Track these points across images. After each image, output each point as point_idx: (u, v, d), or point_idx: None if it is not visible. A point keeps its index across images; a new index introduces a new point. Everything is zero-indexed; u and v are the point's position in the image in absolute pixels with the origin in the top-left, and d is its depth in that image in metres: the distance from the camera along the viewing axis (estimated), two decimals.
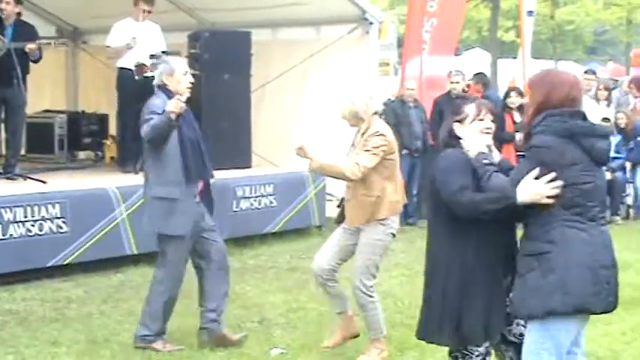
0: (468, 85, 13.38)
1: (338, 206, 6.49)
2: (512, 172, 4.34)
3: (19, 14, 10.23)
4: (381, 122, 6.37)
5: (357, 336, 6.48)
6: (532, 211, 4.24)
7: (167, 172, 6.26)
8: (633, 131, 12.92)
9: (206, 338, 6.48)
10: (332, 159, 6.27)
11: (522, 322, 4.48)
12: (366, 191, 6.08)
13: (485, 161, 4.41)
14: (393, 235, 6.31)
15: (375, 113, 6.29)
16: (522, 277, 4.25)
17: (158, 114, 6.13)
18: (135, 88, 10.51)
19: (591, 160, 4.20)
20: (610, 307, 4.27)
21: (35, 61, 10.00)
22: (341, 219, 6.36)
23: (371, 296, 6.17)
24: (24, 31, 9.88)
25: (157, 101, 6.30)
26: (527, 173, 4.17)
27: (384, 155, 6.05)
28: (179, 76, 6.41)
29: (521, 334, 4.46)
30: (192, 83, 6.57)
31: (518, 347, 4.48)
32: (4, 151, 10.50)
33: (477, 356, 4.51)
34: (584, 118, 4.29)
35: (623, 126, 12.88)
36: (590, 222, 4.19)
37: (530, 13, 15.00)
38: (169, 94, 6.28)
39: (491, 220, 4.35)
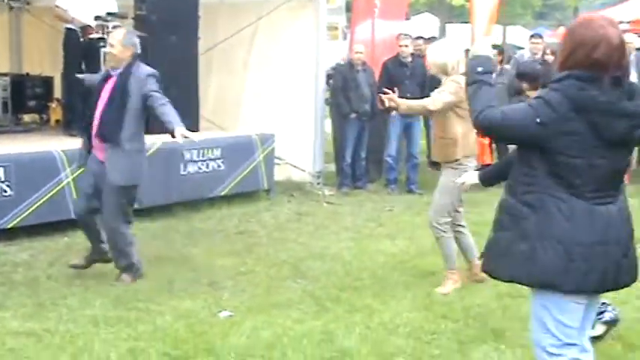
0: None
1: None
2: (506, 107, 3.99)
3: None
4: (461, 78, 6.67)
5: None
6: (517, 162, 4.00)
7: None
8: None
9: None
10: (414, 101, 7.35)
11: None
12: (443, 134, 6.95)
13: (480, 69, 4.13)
14: None
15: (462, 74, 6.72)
16: (495, 233, 4.07)
17: None
18: (81, 49, 10.39)
19: (598, 137, 3.77)
20: (595, 285, 3.92)
21: None
22: (437, 167, 7.34)
23: (444, 231, 7.05)
24: None
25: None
26: (519, 115, 3.81)
27: (457, 101, 6.68)
28: None
29: None
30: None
31: None
32: None
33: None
34: (617, 84, 3.77)
35: None
36: (577, 198, 3.84)
37: None
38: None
39: None
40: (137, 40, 7.09)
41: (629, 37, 15.06)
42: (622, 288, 4.06)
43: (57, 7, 10.70)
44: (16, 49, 14.09)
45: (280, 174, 11.60)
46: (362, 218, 10.25)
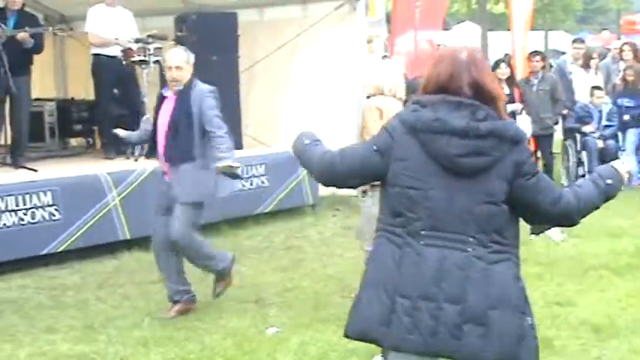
0: None
1: None
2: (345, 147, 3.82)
3: (23, 4, 10.16)
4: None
5: None
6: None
7: None
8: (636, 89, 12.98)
9: None
10: None
11: None
12: None
13: (307, 141, 4.00)
14: None
15: (400, 99, 6.57)
16: None
17: None
18: (111, 74, 10.56)
19: (432, 162, 3.41)
20: (418, 347, 3.35)
21: (35, 51, 10.03)
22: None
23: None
24: (26, 21, 9.91)
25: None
26: (359, 148, 3.70)
27: None
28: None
29: None
30: None
31: None
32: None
33: None
34: (460, 107, 3.40)
35: (630, 80, 12.96)
36: (412, 238, 3.41)
37: None
38: None
39: None
40: None
41: None
42: None
43: (86, 32, 10.85)
44: (61, 74, 14.28)
45: (325, 189, 11.59)
46: None
